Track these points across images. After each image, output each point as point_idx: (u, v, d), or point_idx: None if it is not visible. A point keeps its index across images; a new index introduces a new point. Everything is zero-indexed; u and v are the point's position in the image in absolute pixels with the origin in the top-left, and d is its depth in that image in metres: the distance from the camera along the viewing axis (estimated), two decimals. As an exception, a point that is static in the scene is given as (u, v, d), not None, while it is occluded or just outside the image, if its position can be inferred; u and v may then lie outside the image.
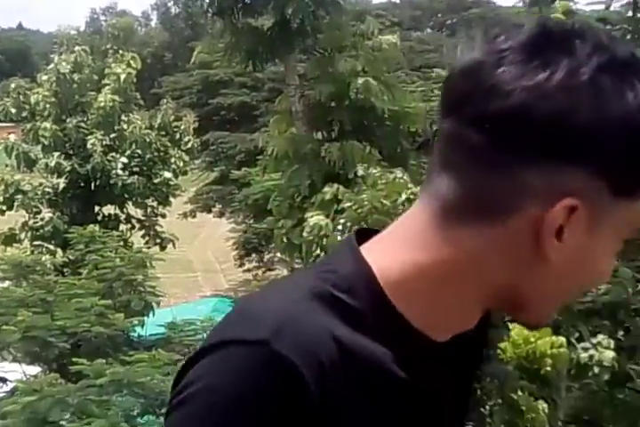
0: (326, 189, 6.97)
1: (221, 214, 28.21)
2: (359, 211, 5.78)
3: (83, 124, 16.66)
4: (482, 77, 0.86)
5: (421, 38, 40.56)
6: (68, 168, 16.48)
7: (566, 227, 0.87)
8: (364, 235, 0.97)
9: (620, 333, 8.47)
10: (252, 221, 23.26)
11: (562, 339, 6.91)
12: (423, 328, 0.92)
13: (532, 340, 6.92)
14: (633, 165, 0.86)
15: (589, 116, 0.85)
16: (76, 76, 16.55)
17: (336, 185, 6.94)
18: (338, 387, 0.88)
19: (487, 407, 6.42)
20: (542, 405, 6.58)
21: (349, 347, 0.89)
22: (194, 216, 28.13)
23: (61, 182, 16.55)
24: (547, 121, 0.84)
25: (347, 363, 0.89)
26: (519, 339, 6.94)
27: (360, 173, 6.87)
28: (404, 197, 6.04)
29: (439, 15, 48.20)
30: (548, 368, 6.89)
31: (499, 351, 6.49)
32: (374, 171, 6.87)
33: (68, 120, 16.67)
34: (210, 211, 28.55)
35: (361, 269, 0.91)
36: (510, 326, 6.84)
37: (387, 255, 0.92)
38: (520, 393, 6.50)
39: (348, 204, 5.78)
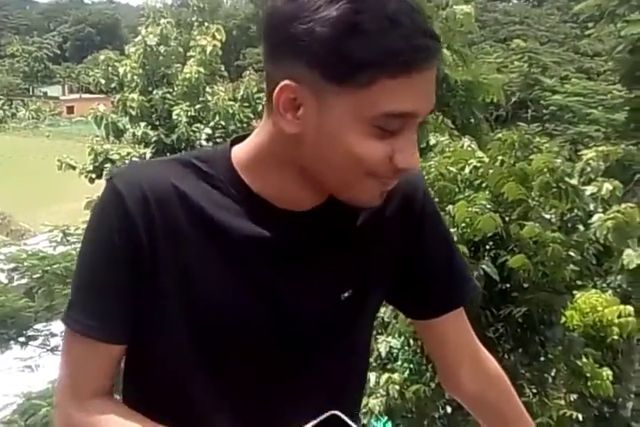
0: (398, 157, 7.06)
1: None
2: (426, 177, 5.91)
3: (168, 96, 16.88)
4: None
5: (507, 10, 39.76)
6: (155, 138, 16.76)
7: (302, 106, 1.10)
8: None
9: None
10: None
11: (629, 308, 6.92)
12: (267, 197, 1.22)
13: (600, 308, 6.97)
14: (335, 57, 1.09)
15: (306, 24, 1.08)
16: (162, 49, 16.83)
17: (408, 154, 7.02)
18: (170, 213, 1.22)
19: (551, 373, 6.51)
20: (607, 372, 6.62)
21: (187, 192, 1.23)
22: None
23: (148, 152, 16.82)
24: (278, 24, 1.11)
25: (184, 202, 1.23)
26: (586, 307, 6.99)
27: (432, 142, 6.97)
28: (471, 164, 6.15)
29: (527, -15, 47.16)
30: (615, 337, 6.92)
31: (564, 319, 6.55)
32: (442, 138, 6.97)
33: (154, 91, 16.93)
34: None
35: (222, 151, 1.27)
36: (577, 294, 6.90)
37: (245, 144, 1.23)
38: (585, 360, 6.56)
39: (415, 170, 5.91)
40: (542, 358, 6.32)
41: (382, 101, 1.10)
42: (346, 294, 1.30)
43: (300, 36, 1.09)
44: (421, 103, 1.14)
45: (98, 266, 1.24)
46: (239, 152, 1.25)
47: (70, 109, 67.08)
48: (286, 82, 1.12)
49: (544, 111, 21.91)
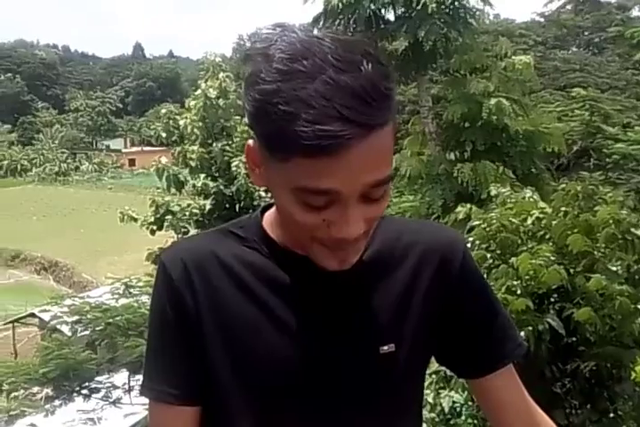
0: (459, 208, 7.02)
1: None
2: (488, 229, 5.85)
3: (227, 148, 17.12)
4: None
5: (566, 58, 39.62)
6: (214, 190, 16.95)
7: (263, 164, 1.21)
8: None
9: None
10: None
11: (701, 363, 6.70)
12: (293, 249, 1.31)
13: (670, 363, 6.75)
14: (256, 132, 1.18)
15: (245, 98, 1.17)
16: (221, 102, 17.10)
17: (469, 205, 6.98)
18: (209, 277, 1.32)
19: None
20: (680, 429, 6.39)
21: (223, 256, 1.33)
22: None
23: (208, 204, 17.03)
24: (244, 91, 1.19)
25: (221, 265, 1.32)
26: (656, 362, 6.78)
27: (493, 192, 6.92)
28: (533, 215, 6.06)
29: (585, 33, 47.02)
30: (687, 393, 6.69)
31: (634, 374, 6.36)
32: (504, 190, 6.90)
33: (214, 144, 17.18)
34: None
35: (255, 216, 1.39)
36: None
37: (273, 207, 1.35)
38: (656, 417, 6.34)
39: (477, 222, 5.87)
40: (611, 415, 6.13)
41: (298, 177, 1.12)
42: (385, 348, 1.31)
43: (244, 107, 1.18)
44: (341, 182, 1.11)
45: (159, 336, 1.36)
46: (268, 215, 1.37)
47: (132, 162, 68.41)
48: (250, 141, 1.23)
49: (607, 160, 21.61)
